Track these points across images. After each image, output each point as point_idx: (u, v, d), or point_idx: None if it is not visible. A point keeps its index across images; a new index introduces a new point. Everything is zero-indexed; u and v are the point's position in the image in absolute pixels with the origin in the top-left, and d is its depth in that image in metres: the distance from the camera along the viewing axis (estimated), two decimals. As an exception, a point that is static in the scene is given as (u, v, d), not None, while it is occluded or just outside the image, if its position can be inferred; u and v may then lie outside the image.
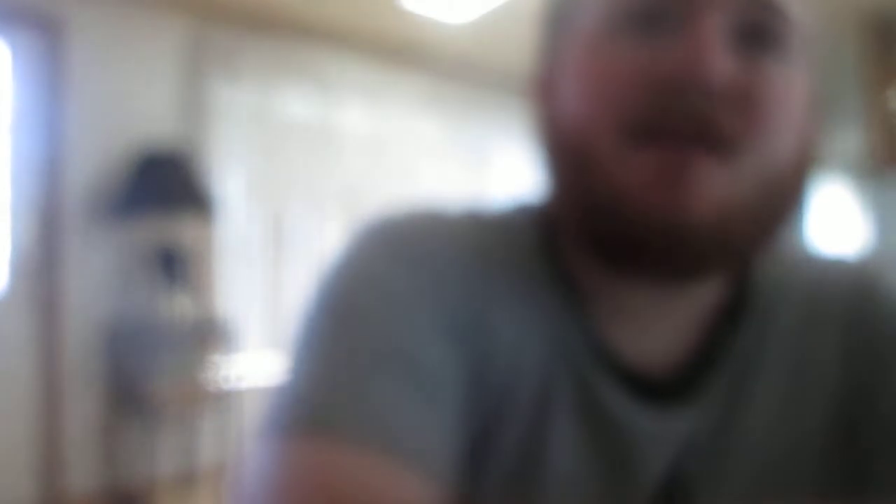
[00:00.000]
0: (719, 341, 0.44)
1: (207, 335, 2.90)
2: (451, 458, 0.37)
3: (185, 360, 2.82)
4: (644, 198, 0.36)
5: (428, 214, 0.45)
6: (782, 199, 0.39)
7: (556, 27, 0.43)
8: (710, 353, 0.44)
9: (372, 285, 0.40)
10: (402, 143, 3.85)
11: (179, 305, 2.87)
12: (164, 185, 2.73)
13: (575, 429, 0.42)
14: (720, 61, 0.35)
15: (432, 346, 0.39)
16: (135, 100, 2.95)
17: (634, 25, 0.37)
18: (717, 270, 0.41)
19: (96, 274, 2.81)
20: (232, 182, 3.25)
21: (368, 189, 3.70)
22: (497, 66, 4.05)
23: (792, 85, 0.38)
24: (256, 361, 3.26)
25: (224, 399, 2.97)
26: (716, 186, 0.36)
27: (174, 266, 2.86)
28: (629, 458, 0.42)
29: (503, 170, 4.39)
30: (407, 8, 3.19)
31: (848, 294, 0.45)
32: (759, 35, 0.37)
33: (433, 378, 0.38)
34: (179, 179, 2.77)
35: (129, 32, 2.94)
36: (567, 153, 0.40)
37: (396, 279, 0.40)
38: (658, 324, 0.44)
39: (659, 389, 0.43)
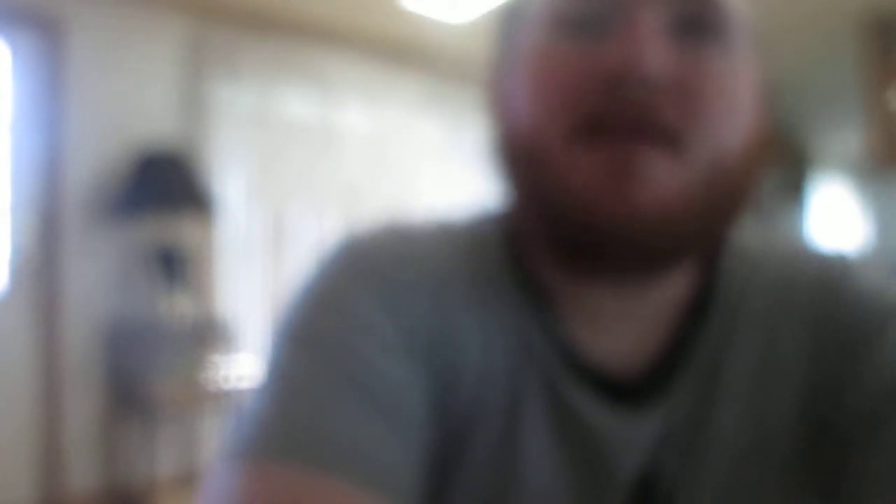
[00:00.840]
0: (687, 337, 0.44)
1: (207, 335, 2.90)
2: (410, 479, 0.37)
3: (185, 360, 2.82)
4: (593, 197, 0.37)
5: (396, 232, 0.46)
6: (731, 189, 0.39)
7: (505, 37, 0.44)
8: (679, 350, 0.44)
9: (334, 309, 0.41)
10: (402, 143, 3.85)
11: (179, 305, 2.87)
12: (164, 185, 2.73)
13: (546, 434, 0.43)
14: (656, 54, 0.36)
15: (392, 369, 0.39)
16: (135, 100, 2.95)
17: (577, 29, 0.39)
18: (673, 263, 0.41)
19: (96, 274, 2.81)
20: (232, 182, 3.25)
21: (368, 189, 3.70)
22: (497, 66, 4.05)
23: (733, 74, 0.39)
24: (256, 361, 3.26)
25: (224, 399, 2.97)
26: (661, 180, 0.36)
27: (174, 266, 2.86)
28: (602, 460, 0.42)
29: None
30: (407, 8, 3.19)
31: (815, 286, 0.44)
32: (697, 27, 0.38)
33: (393, 401, 0.38)
34: (179, 179, 2.77)
35: (129, 32, 2.94)
36: (521, 157, 0.41)
37: (358, 303, 0.41)
38: (624, 323, 0.44)
39: (629, 390, 0.43)
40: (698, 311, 0.44)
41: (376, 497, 0.34)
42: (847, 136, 3.78)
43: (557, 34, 0.39)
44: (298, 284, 0.44)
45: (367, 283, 0.42)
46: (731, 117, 0.38)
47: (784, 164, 3.94)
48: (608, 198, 0.36)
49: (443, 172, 4.04)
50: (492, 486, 0.43)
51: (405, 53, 3.74)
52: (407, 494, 0.36)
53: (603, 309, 0.43)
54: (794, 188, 4.02)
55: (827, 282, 0.44)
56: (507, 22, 0.45)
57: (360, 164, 3.67)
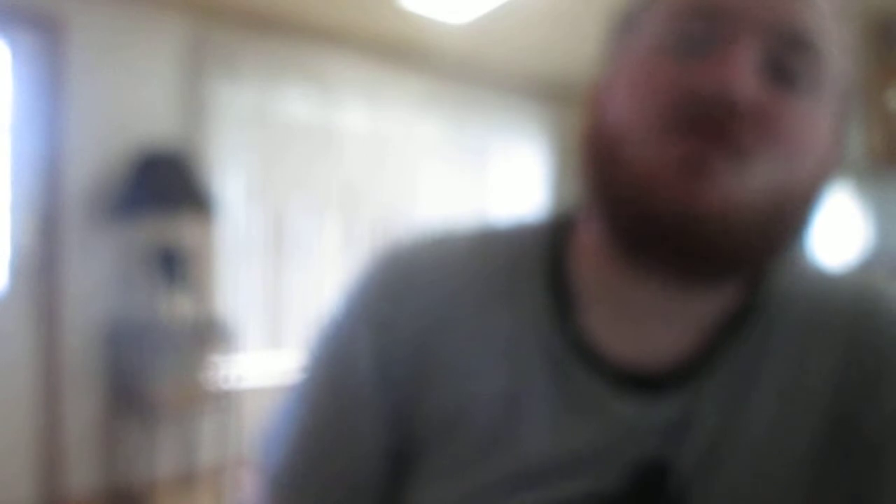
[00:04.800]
0: (720, 342, 0.46)
1: (207, 335, 2.91)
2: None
3: (185, 360, 2.82)
4: (663, 186, 0.40)
5: (430, 244, 0.53)
6: (790, 216, 0.42)
7: (617, 46, 0.48)
8: (709, 355, 0.46)
9: (335, 342, 0.51)
10: (402, 143, 3.85)
11: (179, 305, 2.87)
12: (164, 185, 2.73)
13: (552, 416, 0.46)
14: (745, 83, 0.39)
15: (361, 407, 0.49)
16: (135, 100, 2.95)
17: (682, 46, 0.43)
18: (722, 273, 0.44)
19: (96, 274, 2.81)
20: (232, 182, 3.25)
21: (368, 189, 3.70)
22: (497, 66, 4.05)
23: (811, 120, 0.42)
24: (256, 361, 3.26)
25: (224, 399, 2.97)
26: (727, 186, 0.39)
27: (174, 266, 2.86)
28: (608, 440, 0.45)
29: (503, 169, 4.39)
30: (407, 8, 3.19)
31: (850, 310, 0.47)
32: (788, 71, 0.41)
33: (366, 442, 0.48)
34: (179, 179, 2.77)
35: (129, 32, 2.94)
36: (606, 147, 0.44)
37: (353, 338, 0.49)
38: (655, 324, 0.46)
39: (645, 381, 0.45)
40: (736, 320, 0.47)
41: None
42: (847, 136, 3.77)
43: (663, 49, 0.43)
44: (337, 301, 0.52)
45: (368, 316, 0.50)
46: (802, 157, 0.41)
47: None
48: (676, 188, 0.40)
49: (443, 172, 4.04)
50: (490, 460, 0.46)
51: (405, 53, 3.74)
52: None
53: (637, 308, 0.46)
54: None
55: (861, 307, 0.47)
56: (618, 33, 0.48)
57: (360, 164, 3.67)
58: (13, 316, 2.65)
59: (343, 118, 3.61)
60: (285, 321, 3.39)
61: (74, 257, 2.76)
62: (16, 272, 2.66)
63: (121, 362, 2.80)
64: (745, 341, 0.46)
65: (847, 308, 0.47)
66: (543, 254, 0.50)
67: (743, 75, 0.40)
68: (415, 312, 0.49)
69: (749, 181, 0.40)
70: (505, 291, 0.49)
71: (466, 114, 4.13)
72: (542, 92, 4.43)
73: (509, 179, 4.41)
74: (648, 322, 0.46)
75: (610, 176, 0.44)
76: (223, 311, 3.15)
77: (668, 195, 0.40)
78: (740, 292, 0.47)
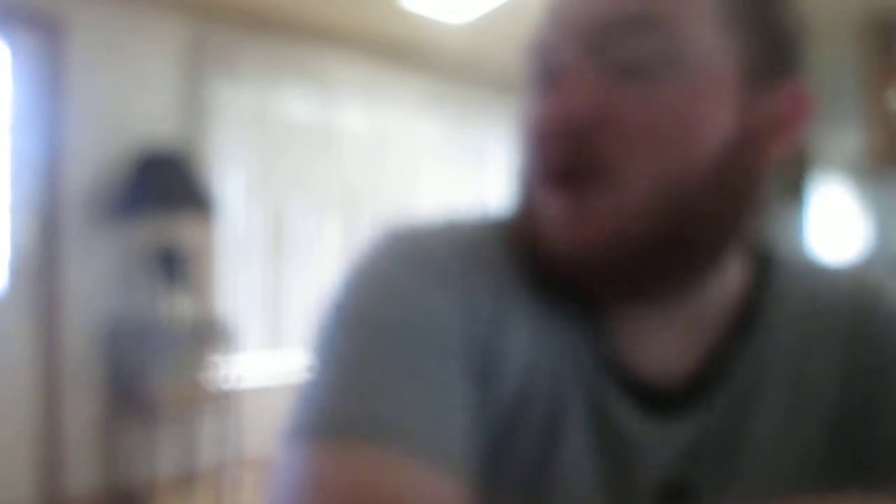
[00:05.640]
0: (728, 350, 0.45)
1: (207, 335, 2.90)
2: (469, 458, 0.38)
3: (185, 360, 2.82)
4: (549, 234, 0.41)
5: (442, 226, 0.47)
6: (694, 210, 0.39)
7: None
8: (718, 362, 0.45)
9: (390, 296, 0.41)
10: (402, 143, 3.85)
11: (179, 305, 2.87)
12: (164, 185, 2.72)
13: (585, 437, 0.44)
14: (579, 106, 0.39)
15: (447, 357, 0.40)
16: (135, 100, 2.95)
17: (538, 88, 0.44)
18: (653, 283, 0.42)
19: (96, 274, 2.81)
20: (232, 182, 3.25)
21: (368, 189, 3.70)
22: (497, 66, 4.05)
23: (681, 100, 0.39)
24: (256, 361, 3.26)
25: (224, 399, 2.97)
26: (603, 215, 0.39)
27: (174, 266, 2.86)
28: (633, 465, 0.44)
29: (502, 170, 4.39)
30: (407, 8, 3.19)
31: (851, 309, 0.46)
32: (634, 63, 0.39)
33: (449, 387, 0.39)
34: (179, 179, 2.77)
35: (129, 33, 2.94)
36: (517, 193, 0.46)
37: (413, 290, 0.41)
38: (660, 336, 0.45)
39: (666, 399, 0.44)
40: (741, 322, 0.46)
41: (440, 471, 0.35)
42: (847, 136, 3.78)
43: (531, 95, 0.45)
44: (345, 272, 0.45)
45: (422, 273, 0.42)
46: (679, 140, 0.39)
47: (783, 164, 3.94)
48: (558, 233, 0.41)
49: (442, 172, 4.04)
50: (532, 476, 0.44)
51: (405, 53, 3.74)
52: (465, 471, 0.37)
53: (638, 322, 0.45)
54: (793, 188, 4.03)
55: (863, 305, 0.46)
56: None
57: (360, 165, 3.67)
58: (13, 316, 2.65)
59: (343, 118, 3.61)
60: (285, 321, 3.38)
61: (74, 257, 2.75)
62: (16, 272, 2.66)
63: (121, 362, 2.80)
64: (747, 344, 0.45)
65: (847, 306, 0.46)
66: None
67: (573, 98, 0.39)
68: (476, 282, 0.43)
69: (625, 197, 0.39)
70: (534, 298, 0.45)
71: (466, 114, 4.13)
72: (541, 92, 4.43)
73: (508, 180, 4.41)
74: (648, 334, 0.45)
75: (519, 221, 0.45)
76: (223, 311, 3.14)
77: (558, 241, 0.41)
78: (738, 293, 0.47)
